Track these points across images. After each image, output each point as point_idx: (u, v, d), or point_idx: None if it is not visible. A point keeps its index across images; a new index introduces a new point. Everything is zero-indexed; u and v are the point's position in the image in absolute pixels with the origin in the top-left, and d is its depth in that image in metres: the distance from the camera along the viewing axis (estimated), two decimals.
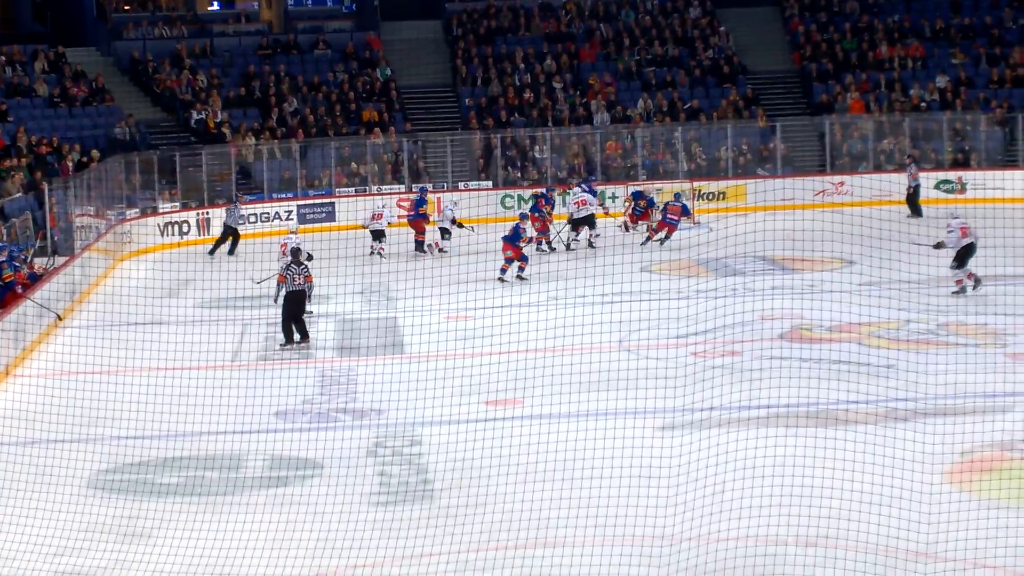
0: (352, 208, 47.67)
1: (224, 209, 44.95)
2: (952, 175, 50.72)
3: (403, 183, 50.48)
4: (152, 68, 55.86)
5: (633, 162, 52.19)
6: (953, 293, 33.01)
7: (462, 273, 33.29)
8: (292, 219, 47.11)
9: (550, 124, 54.05)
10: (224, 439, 21.60)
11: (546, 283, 32.42)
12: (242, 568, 15.68)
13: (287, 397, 24.58)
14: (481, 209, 47.13)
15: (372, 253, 41.19)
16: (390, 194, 48.87)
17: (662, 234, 41.37)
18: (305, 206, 48.45)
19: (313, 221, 47.40)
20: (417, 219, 42.32)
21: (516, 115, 54.78)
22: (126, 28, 60.01)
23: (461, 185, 50.31)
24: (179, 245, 45.65)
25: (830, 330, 29.02)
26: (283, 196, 49.27)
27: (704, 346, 27.95)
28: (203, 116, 53.13)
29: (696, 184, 48.66)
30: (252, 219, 46.70)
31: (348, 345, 29.95)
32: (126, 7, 61.96)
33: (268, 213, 47.88)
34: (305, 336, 28.78)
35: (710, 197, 48.27)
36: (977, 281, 32.89)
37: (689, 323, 29.32)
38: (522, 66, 57.34)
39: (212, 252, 43.56)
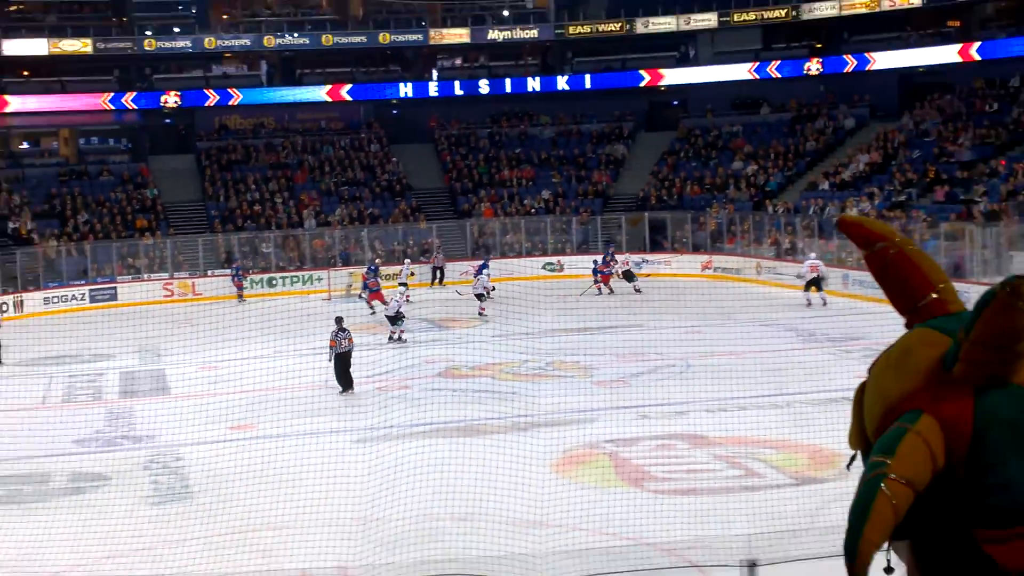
0: (130, 291, 46.68)
1: None
2: (554, 259, 51.67)
3: (167, 272, 49.53)
4: None
5: (333, 254, 52.00)
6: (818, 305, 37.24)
7: (210, 336, 32.76)
8: (85, 300, 45.93)
9: (273, 227, 53.59)
10: (36, 462, 20.99)
11: (272, 340, 32.10)
12: (50, 555, 15.24)
13: (83, 428, 23.97)
14: (223, 290, 46.68)
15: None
16: (158, 279, 48.05)
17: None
18: (95, 290, 47.17)
19: (100, 300, 46.16)
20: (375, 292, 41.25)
21: (249, 221, 54.25)
22: None
23: (209, 272, 49.61)
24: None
25: (472, 369, 29.34)
26: (78, 283, 47.91)
27: (385, 382, 28.04)
28: (16, 225, 51.47)
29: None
30: (54, 300, 45.26)
31: (128, 390, 29.28)
32: None
33: (66, 296, 46.43)
34: (350, 385, 27.29)
35: (387, 277, 48.32)
36: (824, 301, 37.47)
37: (374, 366, 29.40)
38: (253, 187, 56.82)
39: None
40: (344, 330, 27.69)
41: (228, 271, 48.49)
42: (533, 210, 56.33)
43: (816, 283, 38.39)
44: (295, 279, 49.31)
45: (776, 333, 32.56)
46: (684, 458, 20.64)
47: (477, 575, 13.53)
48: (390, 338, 34.07)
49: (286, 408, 23.97)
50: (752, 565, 10.78)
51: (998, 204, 41.97)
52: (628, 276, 44.51)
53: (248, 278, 47.99)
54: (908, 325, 1.74)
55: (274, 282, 48.62)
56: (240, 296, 46.54)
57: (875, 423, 1.66)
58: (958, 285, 1.88)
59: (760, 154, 56.70)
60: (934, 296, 1.72)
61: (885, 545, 1.63)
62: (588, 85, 62.30)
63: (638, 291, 42.82)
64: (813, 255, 40.27)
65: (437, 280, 49.45)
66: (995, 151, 46.97)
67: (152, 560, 14.66)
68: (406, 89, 62.66)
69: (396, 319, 34.19)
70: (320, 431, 22.35)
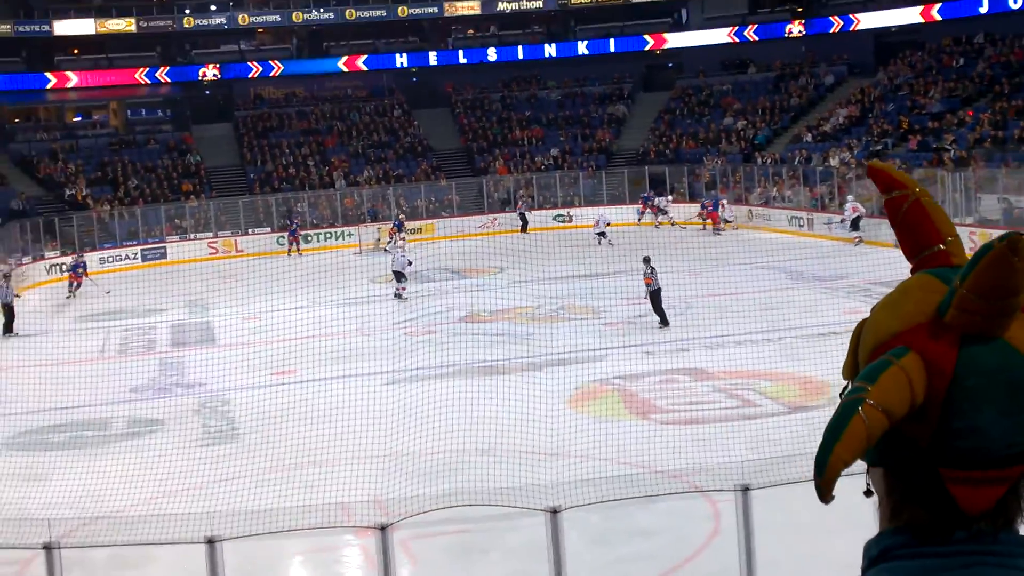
0: (178, 250, 46.68)
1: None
2: (563, 211, 51.54)
3: (211, 231, 49.48)
4: (36, 160, 53.85)
5: (362, 211, 51.88)
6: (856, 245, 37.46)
7: (253, 289, 32.74)
8: (137, 259, 45.97)
9: (307, 189, 53.46)
10: (96, 409, 21.00)
11: (309, 291, 32.08)
12: (110, 494, 15.25)
13: (138, 378, 23.98)
14: (263, 247, 46.65)
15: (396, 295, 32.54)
16: (203, 238, 48.14)
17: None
18: (146, 249, 47.14)
19: (151, 259, 46.15)
20: None
21: (285, 184, 54.13)
22: (16, 134, 57.71)
23: (250, 231, 49.55)
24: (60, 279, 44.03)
25: (492, 314, 29.29)
26: (130, 243, 47.89)
27: (413, 328, 28.02)
28: (72, 192, 51.37)
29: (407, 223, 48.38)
30: (109, 260, 45.20)
31: (179, 341, 29.29)
32: (15, 120, 59.52)
33: (119, 255, 46.38)
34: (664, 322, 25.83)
35: (413, 231, 48.21)
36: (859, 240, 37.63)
37: (402, 313, 29.39)
38: (288, 151, 56.69)
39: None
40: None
41: (287, 225, 48.38)
42: (543, 166, 56.16)
43: (856, 223, 38.51)
44: (328, 235, 49.14)
45: (768, 274, 32.42)
46: (687, 391, 20.58)
47: (495, 504, 13.48)
48: (396, 295, 32.29)
49: (323, 354, 23.92)
50: (745, 489, 10.71)
51: (966, 151, 41.74)
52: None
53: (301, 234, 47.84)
54: (913, 271, 1.71)
55: (309, 238, 48.43)
56: (295, 250, 46.29)
57: (866, 356, 1.63)
58: None
59: (748, 110, 56.39)
60: (941, 247, 1.67)
61: (865, 470, 1.66)
62: (587, 51, 62.04)
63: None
64: (851, 197, 40.19)
65: (524, 228, 49.32)
66: (962, 103, 46.62)
67: (204, 497, 14.64)
68: (421, 58, 62.49)
69: (401, 276, 32.49)
70: (354, 374, 22.34)
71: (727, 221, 45.51)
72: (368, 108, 61.03)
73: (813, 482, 1.50)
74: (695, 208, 47.67)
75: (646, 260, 26.20)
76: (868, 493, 1.68)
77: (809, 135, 51.11)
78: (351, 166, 56.11)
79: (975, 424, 1.54)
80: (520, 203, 50.89)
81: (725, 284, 29.91)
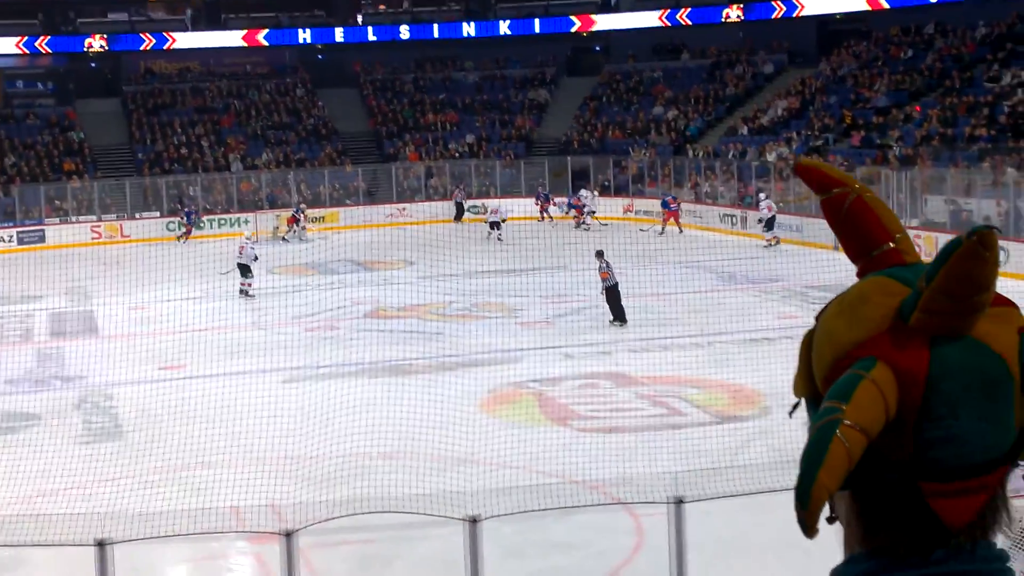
0: (58, 233, 46.05)
1: None
2: (478, 202, 51.49)
3: (95, 214, 48.84)
4: None
5: (260, 197, 51.55)
6: (767, 247, 38.28)
7: (139, 277, 32.37)
8: (13, 241, 45.18)
9: (200, 171, 52.98)
10: None
11: (200, 282, 31.78)
12: None
13: (13, 369, 23.63)
14: (151, 233, 46.26)
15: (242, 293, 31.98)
16: (86, 222, 47.54)
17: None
18: (23, 232, 46.46)
19: (28, 242, 45.46)
20: None
21: (176, 165, 53.58)
22: None
23: (137, 215, 49.01)
24: None
25: (399, 310, 29.24)
26: (5, 225, 47.12)
27: (314, 323, 27.89)
28: None
29: (308, 211, 47.98)
30: None
31: (58, 331, 28.87)
32: None
33: None
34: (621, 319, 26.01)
35: (315, 220, 47.97)
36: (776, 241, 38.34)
37: (302, 308, 29.25)
38: (180, 130, 56.12)
39: None
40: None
41: (177, 210, 48.08)
42: (457, 154, 56.16)
43: (770, 223, 39.03)
44: (222, 221, 48.72)
45: (698, 274, 32.75)
46: (608, 397, 20.73)
47: (406, 512, 13.48)
48: (242, 291, 31.51)
49: (215, 348, 23.76)
50: (679, 502, 10.80)
51: (912, 148, 42.38)
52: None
53: (200, 219, 47.44)
54: (860, 274, 1.68)
55: (201, 224, 47.98)
56: (186, 236, 45.93)
57: (825, 370, 1.61)
58: None
59: (680, 99, 56.82)
60: (891, 245, 1.65)
61: None
62: (508, 31, 61.94)
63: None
64: (763, 195, 40.74)
65: (459, 216, 49.58)
66: (910, 97, 47.31)
67: (85, 498, 14.47)
68: (327, 34, 62.15)
69: (246, 270, 31.84)
70: (250, 371, 22.19)
71: (592, 213, 45.90)
72: (269, 86, 60.63)
73: (796, 515, 1.47)
74: (620, 203, 47.99)
75: (599, 254, 26.46)
76: (832, 519, 1.65)
77: (745, 128, 51.68)
78: (249, 148, 55.72)
79: (953, 432, 1.53)
80: (457, 191, 50.88)
81: (652, 284, 30.14)
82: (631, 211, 48.38)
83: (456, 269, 32.51)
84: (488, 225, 43.23)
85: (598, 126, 57.05)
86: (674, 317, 26.15)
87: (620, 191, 50.72)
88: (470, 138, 57.38)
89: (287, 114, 58.78)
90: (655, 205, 46.60)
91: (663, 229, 42.98)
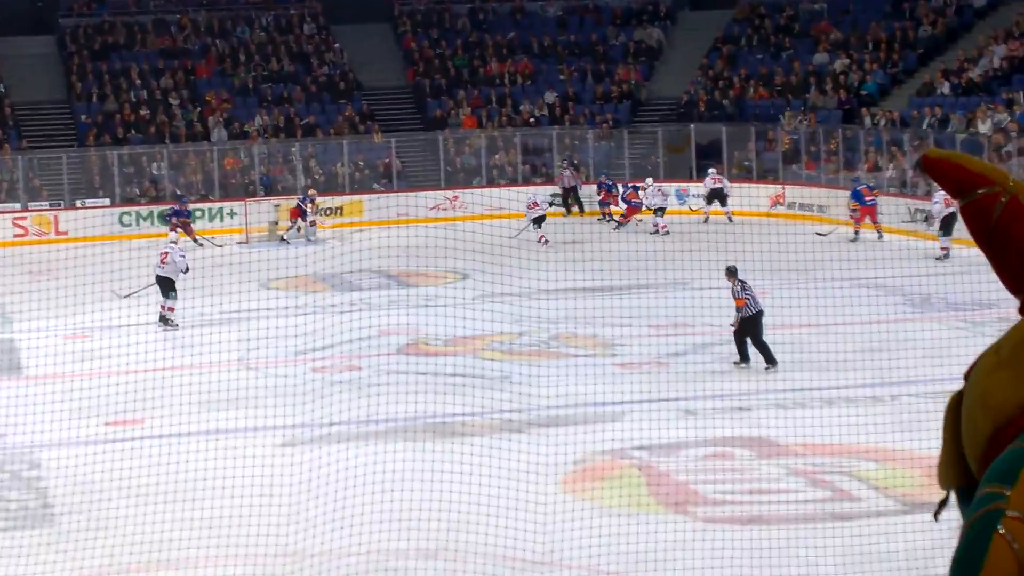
0: None
1: None
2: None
3: (18, 201, 49.42)
4: None
5: (251, 178, 51.93)
6: (937, 259, 37.84)
7: (80, 292, 32.65)
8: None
9: (167, 141, 53.43)
10: None
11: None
12: None
13: None
14: (98, 229, 46.57)
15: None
16: (7, 212, 48.04)
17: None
18: None
19: None
20: None
21: (133, 132, 54.04)
22: None
23: (78, 203, 49.46)
24: None
25: (446, 343, 29.27)
26: None
27: (325, 362, 27.98)
28: None
29: (318, 199, 48.33)
30: None
31: None
32: None
33: None
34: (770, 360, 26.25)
35: (328, 212, 48.26)
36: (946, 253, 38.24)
37: (310, 339, 29.34)
38: (138, 82, 56.58)
39: None
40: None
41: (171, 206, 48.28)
42: (532, 119, 56.23)
43: (947, 225, 38.48)
44: (200, 213, 49.07)
45: (876, 296, 32.53)
46: (746, 473, 20.63)
47: None
48: (162, 318, 31.90)
49: (186, 396, 23.83)
50: None
51: None
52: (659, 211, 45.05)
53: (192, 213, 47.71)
54: (1023, 310, 1.66)
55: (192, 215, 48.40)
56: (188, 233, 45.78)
57: (981, 446, 1.61)
58: None
59: (854, 43, 56.66)
60: None
61: None
62: None
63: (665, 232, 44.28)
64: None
65: (574, 207, 50.80)
66: None
67: None
68: None
69: (169, 287, 32.01)
70: (235, 428, 22.30)
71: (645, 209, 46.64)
72: (265, 20, 61.08)
73: None
74: (764, 192, 47.94)
75: (731, 272, 26.30)
76: None
77: (946, 84, 51.34)
78: (236, 109, 56.14)
79: None
80: (564, 172, 50.96)
81: (809, 309, 29.97)
82: (781, 203, 48.21)
83: (528, 285, 32.55)
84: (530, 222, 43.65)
85: (734, 80, 57.04)
86: (842, 359, 25.98)
87: (765, 175, 50.57)
88: (550, 97, 57.50)
89: (291, 60, 59.17)
90: (816, 194, 46.41)
91: (857, 235, 42.63)
